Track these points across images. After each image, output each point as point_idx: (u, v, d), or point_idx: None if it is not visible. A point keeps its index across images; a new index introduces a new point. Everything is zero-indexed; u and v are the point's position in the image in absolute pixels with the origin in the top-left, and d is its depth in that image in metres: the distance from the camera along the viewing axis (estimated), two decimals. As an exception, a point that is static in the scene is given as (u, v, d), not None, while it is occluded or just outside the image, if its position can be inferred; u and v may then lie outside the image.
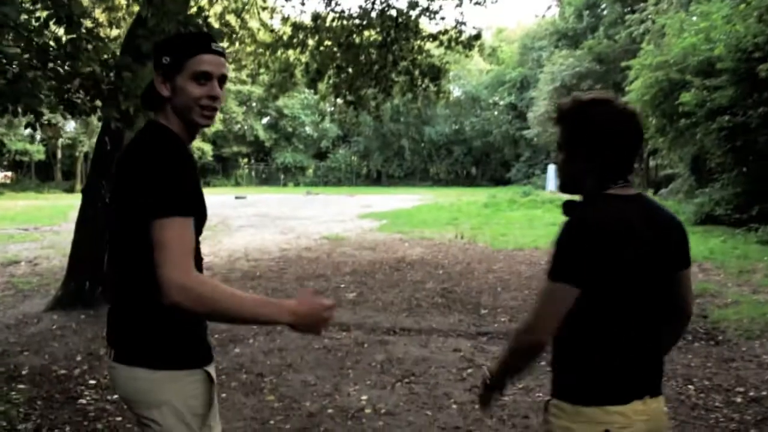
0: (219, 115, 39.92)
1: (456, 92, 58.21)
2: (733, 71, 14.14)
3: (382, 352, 5.71)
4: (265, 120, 57.39)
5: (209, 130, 49.64)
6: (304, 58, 12.43)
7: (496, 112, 51.52)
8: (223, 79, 1.97)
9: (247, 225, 18.33)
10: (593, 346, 1.85)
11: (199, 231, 1.89)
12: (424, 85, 12.46)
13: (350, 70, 12.52)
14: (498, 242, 13.76)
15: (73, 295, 6.95)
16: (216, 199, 32.67)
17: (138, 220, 1.75)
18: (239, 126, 54.15)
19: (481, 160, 54.54)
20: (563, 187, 2.04)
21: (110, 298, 2.04)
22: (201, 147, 49.10)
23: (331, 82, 12.27)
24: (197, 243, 1.89)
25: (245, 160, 59.40)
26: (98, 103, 5.43)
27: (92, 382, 4.85)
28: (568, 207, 1.91)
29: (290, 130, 56.31)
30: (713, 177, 17.79)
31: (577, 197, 1.96)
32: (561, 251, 1.80)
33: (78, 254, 7.17)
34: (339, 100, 13.21)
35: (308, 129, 56.40)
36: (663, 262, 1.89)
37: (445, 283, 9.19)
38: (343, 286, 9.03)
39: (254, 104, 55.37)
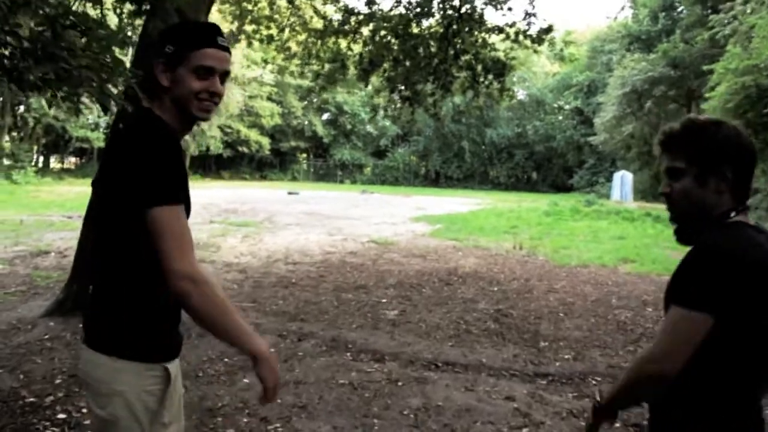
0: (278, 109, 39.39)
1: (520, 95, 56.81)
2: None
3: (418, 394, 4.71)
4: (324, 116, 56.92)
5: (268, 124, 49.50)
6: (357, 48, 11.52)
7: (560, 117, 49.89)
8: (225, 74, 1.94)
9: (294, 223, 17.54)
10: (721, 394, 1.69)
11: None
12: (486, 82, 11.42)
13: (407, 62, 11.55)
14: (560, 256, 12.59)
15: (75, 299, 6.16)
16: (268, 193, 32.24)
17: (127, 208, 1.76)
18: (298, 121, 53.79)
19: (543, 165, 52.86)
20: (682, 218, 1.86)
21: (92, 284, 1.98)
22: (259, 140, 48.93)
23: (385, 75, 11.32)
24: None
25: (303, 155, 59.01)
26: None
27: (61, 416, 3.99)
28: (692, 231, 1.80)
29: (349, 127, 55.68)
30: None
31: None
32: (701, 278, 1.63)
33: (83, 253, 6.39)
34: (394, 96, 12.27)
35: (368, 127, 55.64)
36: None
37: (500, 303, 8.13)
38: (384, 301, 8.05)
39: (314, 99, 54.96)
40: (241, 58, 40.05)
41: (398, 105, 12.41)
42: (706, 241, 1.69)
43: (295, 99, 52.14)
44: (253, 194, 30.51)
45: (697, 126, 1.82)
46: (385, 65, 11.76)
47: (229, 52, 1.95)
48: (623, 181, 32.19)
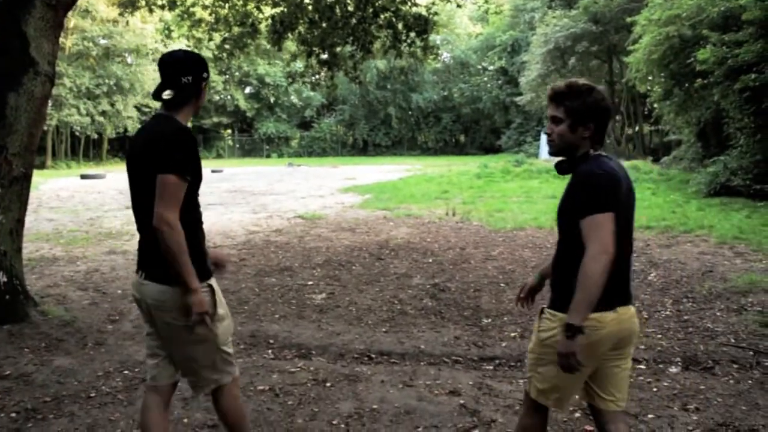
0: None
1: (444, 57, 56.34)
2: (761, 23, 12.42)
3: (349, 396, 4.07)
4: (247, 89, 55.19)
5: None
6: (267, 10, 10.62)
7: (485, 78, 49.60)
8: None
9: (216, 203, 16.59)
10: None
11: (194, 192, 2.73)
12: (409, 41, 10.72)
13: (323, 24, 10.73)
14: (494, 220, 12.14)
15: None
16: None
17: (152, 175, 2.58)
18: (219, 96, 52.02)
19: (471, 128, 52.82)
20: (558, 152, 2.61)
21: (140, 235, 2.78)
22: (179, 118, 47.04)
23: (300, 38, 10.49)
24: (196, 202, 2.77)
25: (228, 131, 57.20)
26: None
27: None
28: (568, 165, 2.58)
29: (273, 99, 54.19)
30: (728, 143, 16.12)
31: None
32: (602, 190, 2.39)
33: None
34: (312, 60, 11.44)
35: (292, 98, 54.26)
36: (631, 202, 2.56)
37: (436, 276, 7.56)
38: (311, 283, 7.37)
39: (235, 72, 53.20)
40: (153, 33, 38.21)
41: (317, 70, 11.59)
42: (585, 169, 2.46)
43: (215, 73, 50.30)
44: (174, 174, 29.19)
45: (576, 88, 2.51)
46: (300, 28, 10.92)
47: None
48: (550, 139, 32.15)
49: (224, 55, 10.55)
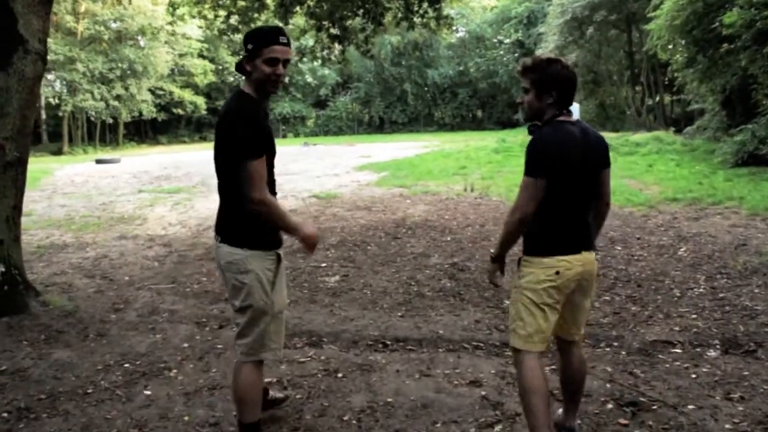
0: (211, 66, 37.38)
1: (459, 32, 55.49)
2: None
3: (362, 388, 3.79)
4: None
5: (202, 83, 47.41)
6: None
7: (501, 51, 48.65)
8: (286, 62, 2.85)
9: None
10: (551, 219, 2.83)
11: (271, 162, 2.93)
12: (421, 11, 10.33)
13: (334, -2, 10.37)
14: (514, 195, 11.69)
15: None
16: (206, 156, 30.60)
17: (230, 158, 2.79)
18: (234, 77, 51.66)
19: (488, 103, 52.04)
20: (528, 119, 2.97)
21: (220, 202, 3.01)
22: (194, 101, 46.98)
23: (309, 11, 10.13)
24: (272, 170, 2.95)
25: (244, 112, 56.82)
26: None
27: None
28: (533, 129, 2.91)
29: (287, 78, 53.62)
30: (756, 111, 15.52)
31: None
32: (533, 157, 2.78)
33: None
34: (321, 34, 11.08)
35: (307, 77, 53.79)
36: (593, 163, 2.90)
37: (455, 256, 7.24)
38: (324, 265, 7.08)
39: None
40: (164, 14, 37.86)
41: (327, 45, 11.22)
42: (536, 133, 2.85)
43: (228, 54, 49.97)
44: (190, 158, 28.96)
45: (538, 62, 2.87)
46: (309, 1, 10.56)
47: (290, 46, 2.88)
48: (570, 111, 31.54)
49: (230, 31, 10.21)
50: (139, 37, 41.39)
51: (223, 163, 2.86)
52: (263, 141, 2.79)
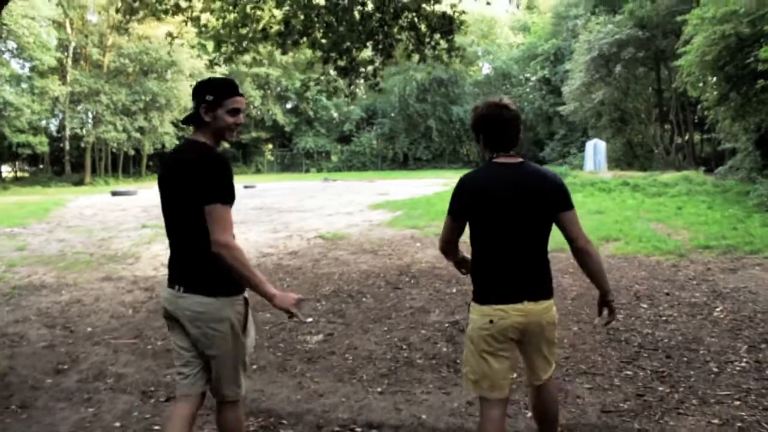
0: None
1: (485, 69, 55.17)
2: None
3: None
4: (288, 105, 54.67)
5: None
6: (279, 13, 9.62)
7: (527, 89, 48.15)
8: (242, 111, 2.93)
9: (237, 221, 15.54)
10: (484, 264, 2.86)
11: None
12: (433, 42, 9.65)
13: (340, 27, 9.73)
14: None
15: None
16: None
17: (197, 203, 2.67)
18: (257, 111, 51.65)
19: (513, 140, 51.26)
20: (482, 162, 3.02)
21: (174, 251, 2.94)
22: (216, 133, 46.78)
23: (309, 41, 9.49)
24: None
25: (269, 146, 56.65)
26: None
27: None
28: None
29: (311, 113, 53.57)
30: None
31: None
32: (452, 196, 2.86)
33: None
34: (328, 67, 10.43)
35: (331, 112, 53.62)
36: (532, 206, 2.77)
37: (457, 312, 6.41)
38: (309, 320, 6.28)
39: (275, 87, 52.84)
40: (188, 48, 37.92)
41: (333, 78, 10.56)
42: (462, 176, 2.93)
43: (252, 88, 49.99)
44: (206, 191, 28.58)
45: (472, 110, 3.04)
46: (317, 33, 9.94)
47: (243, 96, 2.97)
48: (596, 149, 30.66)
49: (221, 60, 9.59)
50: (162, 71, 41.46)
51: (184, 209, 2.77)
52: (232, 189, 2.78)
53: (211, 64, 9.70)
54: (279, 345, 5.49)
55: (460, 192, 2.82)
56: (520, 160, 2.87)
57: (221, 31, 9.73)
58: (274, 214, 17.27)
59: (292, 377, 4.66)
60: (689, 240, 10.46)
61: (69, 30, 39.30)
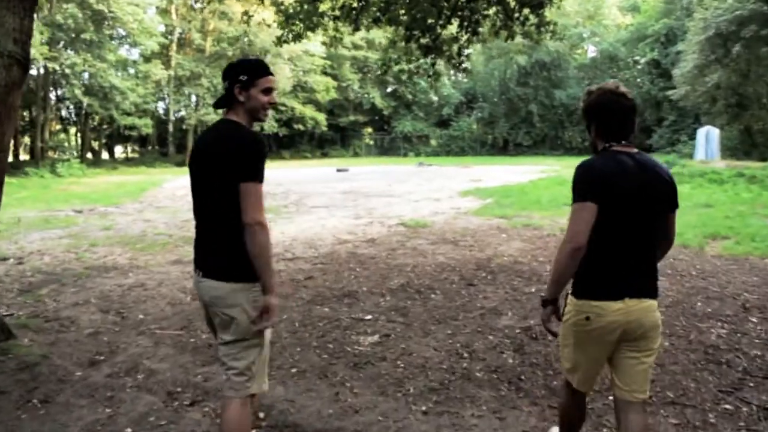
0: (333, 83, 37.82)
1: (591, 51, 53.04)
2: None
3: None
4: (389, 89, 54.40)
5: (324, 99, 47.58)
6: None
7: (635, 72, 45.77)
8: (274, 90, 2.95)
9: (321, 205, 15.46)
10: (590, 256, 2.55)
11: None
12: (522, 18, 8.92)
13: (424, 3, 9.15)
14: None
15: None
16: (317, 172, 30.29)
17: (233, 181, 2.68)
18: (356, 94, 51.65)
19: (619, 126, 48.97)
20: (592, 152, 2.81)
21: (198, 234, 2.93)
22: (314, 117, 47.11)
23: (386, 17, 8.96)
24: None
25: (368, 129, 56.62)
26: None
27: None
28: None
29: (410, 97, 53.07)
30: None
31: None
32: (578, 183, 2.58)
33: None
34: (411, 45, 9.87)
35: (430, 95, 52.91)
36: (653, 201, 2.61)
37: (532, 317, 5.74)
38: (368, 318, 5.79)
39: (374, 71, 52.67)
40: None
41: (417, 56, 9.99)
42: (583, 162, 2.67)
43: (351, 71, 49.98)
44: (299, 174, 28.67)
45: (584, 95, 2.83)
46: (400, 10, 9.41)
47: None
48: (708, 137, 28.67)
49: (289, 36, 9.20)
50: (265, 55, 42.03)
51: (216, 188, 2.77)
52: (264, 169, 2.78)
53: (279, 41, 9.33)
54: (328, 345, 5.02)
55: (589, 178, 2.58)
56: (636, 150, 2.71)
57: (291, 10, 9.34)
58: (360, 199, 16.93)
59: (331, 386, 4.16)
60: (812, 240, 9.29)
61: (174, 16, 40.45)
